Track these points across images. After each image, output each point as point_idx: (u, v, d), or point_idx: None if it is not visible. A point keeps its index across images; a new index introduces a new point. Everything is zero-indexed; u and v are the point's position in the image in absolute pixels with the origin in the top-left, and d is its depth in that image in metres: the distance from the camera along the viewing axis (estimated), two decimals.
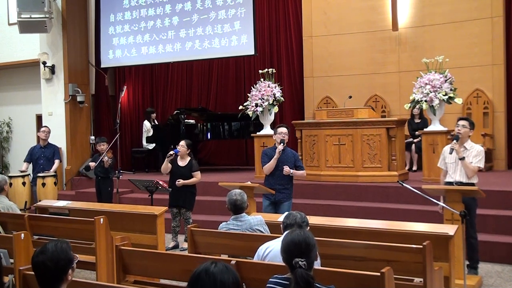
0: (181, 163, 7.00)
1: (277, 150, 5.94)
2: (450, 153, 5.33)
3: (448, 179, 5.43)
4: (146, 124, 10.91)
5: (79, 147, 10.80)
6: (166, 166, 6.98)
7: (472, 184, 5.26)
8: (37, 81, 11.11)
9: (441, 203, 5.07)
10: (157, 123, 11.13)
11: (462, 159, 5.25)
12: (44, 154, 8.83)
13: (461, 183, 5.26)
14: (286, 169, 5.90)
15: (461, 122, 5.38)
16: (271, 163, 5.98)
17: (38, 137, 9.21)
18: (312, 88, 10.69)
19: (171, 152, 6.95)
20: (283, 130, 6.07)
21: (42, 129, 8.96)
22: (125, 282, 3.93)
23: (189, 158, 7.03)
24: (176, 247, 7.02)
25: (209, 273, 2.04)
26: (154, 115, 11.07)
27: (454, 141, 5.30)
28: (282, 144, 5.93)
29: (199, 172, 7.05)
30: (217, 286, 2.01)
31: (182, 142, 7.02)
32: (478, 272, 5.39)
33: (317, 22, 10.58)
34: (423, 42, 9.66)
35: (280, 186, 5.95)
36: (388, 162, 7.60)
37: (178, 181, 6.83)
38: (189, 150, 7.05)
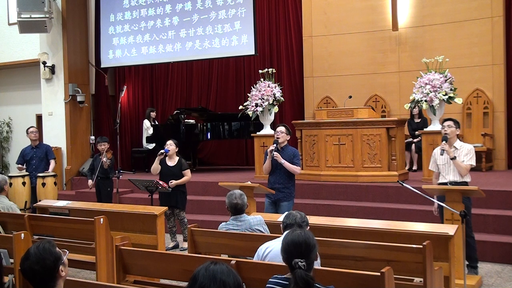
0: (170, 163, 6.98)
1: (268, 150, 5.98)
2: (441, 154, 5.37)
3: (441, 180, 5.46)
4: (146, 122, 10.92)
5: (79, 147, 10.80)
6: (156, 166, 6.95)
7: (466, 183, 5.32)
8: (37, 81, 11.11)
9: (440, 203, 5.07)
10: (157, 122, 11.14)
11: (453, 158, 5.30)
12: (36, 154, 8.79)
13: (455, 183, 5.31)
14: (276, 153, 5.85)
15: (446, 123, 5.45)
16: (266, 163, 6.02)
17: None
18: (312, 88, 10.69)
19: (162, 151, 6.93)
20: (278, 129, 6.08)
21: (30, 130, 8.83)
22: (125, 282, 3.93)
23: (177, 158, 7.02)
24: (176, 247, 7.01)
25: (208, 270, 2.04)
26: (154, 114, 11.06)
27: (443, 142, 5.35)
28: (275, 144, 5.95)
29: (189, 170, 7.05)
30: (217, 283, 2.01)
31: (170, 141, 6.99)
32: (478, 272, 5.39)
33: (317, 22, 10.57)
34: (423, 42, 9.66)
35: (280, 185, 5.95)
36: (388, 162, 7.60)
37: (171, 182, 6.81)
38: (177, 148, 7.04)
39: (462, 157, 5.34)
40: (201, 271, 2.04)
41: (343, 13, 10.32)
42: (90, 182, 7.82)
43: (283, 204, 5.93)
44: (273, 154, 5.87)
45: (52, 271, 2.49)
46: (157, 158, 6.94)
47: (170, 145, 6.94)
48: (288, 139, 6.10)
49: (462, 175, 5.32)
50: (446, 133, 5.40)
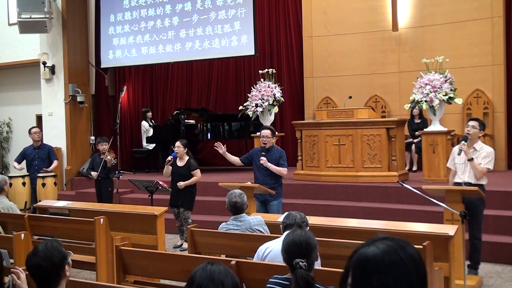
0: (180, 163, 6.99)
1: (261, 162, 6.03)
2: (459, 154, 5.29)
3: (457, 179, 5.39)
4: (144, 124, 10.92)
5: (79, 147, 10.80)
6: (167, 170, 6.96)
7: (481, 186, 5.22)
8: (37, 81, 11.11)
9: (441, 204, 5.07)
10: (154, 122, 11.14)
11: (470, 160, 5.21)
12: (38, 155, 8.77)
13: (469, 184, 5.22)
14: (263, 159, 5.98)
15: (471, 123, 5.32)
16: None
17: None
18: (312, 88, 10.69)
19: (169, 158, 6.92)
20: (264, 133, 6.16)
21: (33, 130, 8.79)
22: (125, 282, 3.93)
23: (187, 158, 7.01)
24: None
25: (206, 270, 2.05)
26: (149, 114, 11.06)
27: (463, 142, 5.26)
28: (263, 152, 6.07)
29: (198, 170, 7.04)
30: (215, 283, 2.01)
31: (178, 143, 6.98)
32: (478, 272, 5.38)
33: (317, 22, 10.57)
34: (423, 42, 9.66)
35: (267, 186, 6.01)
36: (388, 162, 7.60)
37: (180, 184, 6.82)
38: (186, 149, 7.03)
39: (480, 159, 5.23)
40: (199, 271, 2.05)
41: (343, 13, 10.32)
42: (94, 173, 7.68)
43: (273, 203, 6.04)
44: (260, 159, 6.03)
45: (59, 269, 2.52)
46: (165, 165, 6.93)
47: (178, 147, 6.92)
48: (274, 141, 6.19)
49: (477, 178, 5.21)
50: (468, 133, 5.27)
